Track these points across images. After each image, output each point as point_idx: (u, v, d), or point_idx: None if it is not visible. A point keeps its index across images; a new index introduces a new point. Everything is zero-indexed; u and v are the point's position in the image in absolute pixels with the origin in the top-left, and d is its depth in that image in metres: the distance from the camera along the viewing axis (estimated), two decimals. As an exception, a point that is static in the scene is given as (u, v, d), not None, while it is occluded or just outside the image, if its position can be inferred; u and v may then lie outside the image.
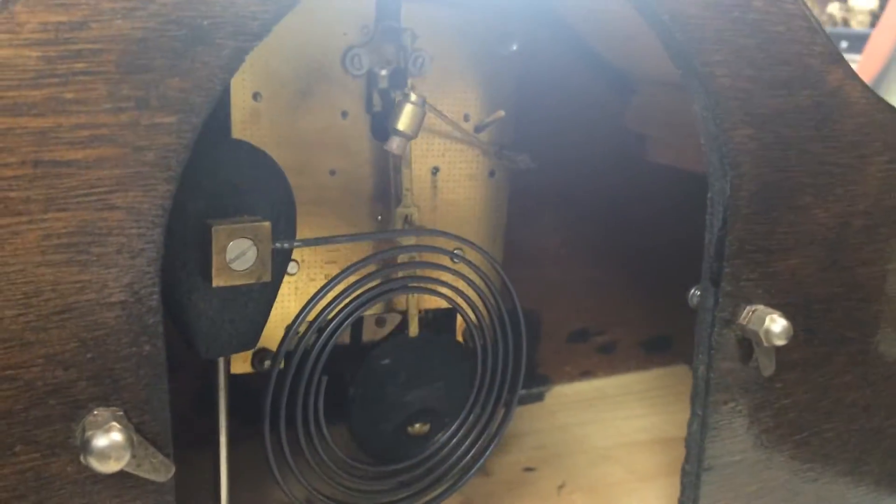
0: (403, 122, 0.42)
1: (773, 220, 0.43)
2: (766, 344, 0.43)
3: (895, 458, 0.53)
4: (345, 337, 0.51)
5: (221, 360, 0.41)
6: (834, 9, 2.05)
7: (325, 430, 0.43)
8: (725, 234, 0.42)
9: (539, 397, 0.69)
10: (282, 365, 0.42)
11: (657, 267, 0.71)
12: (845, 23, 2.04)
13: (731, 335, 0.44)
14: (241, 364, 0.46)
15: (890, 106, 0.45)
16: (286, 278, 0.46)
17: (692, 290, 0.46)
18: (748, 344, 0.45)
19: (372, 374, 0.47)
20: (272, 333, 0.43)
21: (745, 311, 0.44)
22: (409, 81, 0.45)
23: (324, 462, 0.44)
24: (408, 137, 0.42)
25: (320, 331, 0.42)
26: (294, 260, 0.46)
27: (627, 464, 0.59)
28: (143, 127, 0.29)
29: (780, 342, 0.43)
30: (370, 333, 0.52)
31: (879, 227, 0.47)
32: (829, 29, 1.93)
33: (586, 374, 0.72)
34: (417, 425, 0.49)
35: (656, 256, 0.71)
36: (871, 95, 0.44)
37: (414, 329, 0.48)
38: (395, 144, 0.42)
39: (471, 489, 0.54)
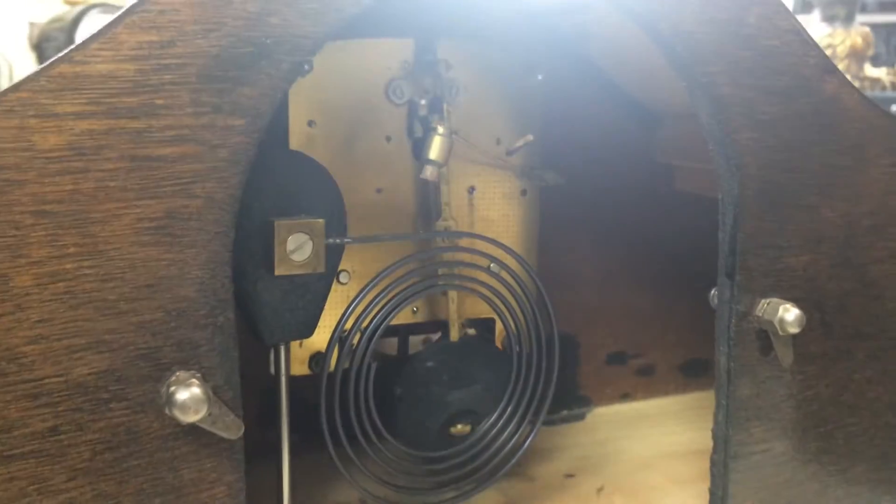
0: (434, 152, 0.48)
1: (782, 218, 0.47)
2: (781, 333, 0.46)
3: (925, 456, 0.55)
4: (394, 349, 0.55)
5: (283, 362, 0.46)
6: (882, 73, 2.09)
7: (374, 416, 0.47)
8: (737, 231, 0.46)
9: (581, 417, 0.72)
10: (332, 367, 0.47)
11: (691, 292, 0.74)
12: (894, 87, 2.06)
13: (748, 327, 0.47)
14: (298, 366, 0.51)
15: (889, 113, 0.49)
16: (339, 288, 0.51)
17: (712, 291, 0.50)
18: (766, 336, 0.48)
19: (415, 374, 0.51)
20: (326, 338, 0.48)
21: (761, 304, 0.47)
22: (445, 107, 0.50)
23: (378, 454, 0.48)
24: (439, 165, 0.48)
25: (366, 331, 0.46)
26: (345, 270, 0.51)
27: (665, 471, 0.61)
28: (219, 128, 0.35)
29: (794, 330, 0.46)
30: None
31: (888, 226, 0.50)
32: (877, 93, 1.96)
33: (626, 396, 0.75)
34: (459, 426, 0.53)
35: (690, 282, 0.74)
36: (867, 103, 0.48)
37: (454, 334, 0.52)
38: (429, 172, 0.48)
39: (514, 492, 0.57)
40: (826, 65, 0.46)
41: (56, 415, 0.34)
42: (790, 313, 0.46)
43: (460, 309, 0.54)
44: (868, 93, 1.99)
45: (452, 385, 0.52)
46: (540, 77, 0.54)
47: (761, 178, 0.46)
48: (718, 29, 0.43)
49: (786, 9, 0.45)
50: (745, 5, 0.44)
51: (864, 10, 2.61)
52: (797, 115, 0.46)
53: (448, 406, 0.52)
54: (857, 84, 1.94)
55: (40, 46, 1.43)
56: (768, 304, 0.47)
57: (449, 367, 0.52)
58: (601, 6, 0.44)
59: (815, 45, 0.46)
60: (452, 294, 0.52)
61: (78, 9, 1.38)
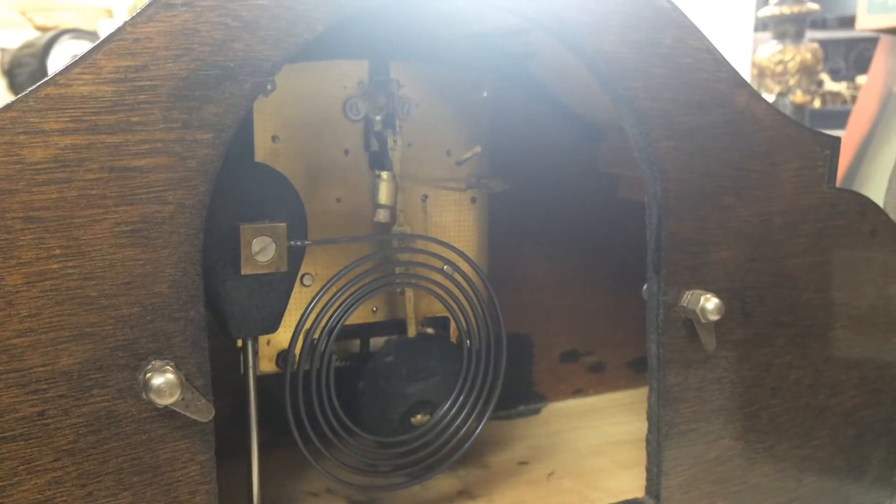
0: (382, 197, 0.54)
1: (702, 218, 0.52)
2: (703, 321, 0.51)
3: (843, 435, 0.60)
4: (356, 348, 0.60)
5: (251, 358, 0.50)
6: (842, 87, 2.17)
7: (338, 409, 0.52)
8: (661, 230, 0.51)
9: (536, 412, 0.76)
10: (295, 365, 0.51)
11: (638, 293, 0.79)
12: (854, 101, 2.14)
13: (675, 317, 0.52)
14: (267, 363, 0.55)
15: (795, 121, 0.54)
16: (303, 290, 0.56)
17: (645, 286, 0.55)
18: (691, 324, 0.53)
19: (376, 369, 0.56)
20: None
21: (685, 295, 0.52)
22: (398, 122, 0.55)
23: (344, 444, 0.52)
24: (389, 207, 0.54)
25: (327, 327, 0.51)
26: (309, 273, 0.55)
27: (612, 456, 0.66)
28: (188, 142, 0.39)
29: (715, 318, 0.51)
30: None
31: (799, 224, 0.55)
32: (837, 107, 2.03)
33: (579, 391, 0.79)
34: (419, 416, 0.57)
35: (636, 283, 0.79)
36: (775, 113, 0.53)
37: (412, 330, 0.57)
38: (381, 215, 0.54)
39: (470, 479, 0.62)
40: (737, 79, 0.52)
41: (43, 401, 0.38)
42: (710, 302, 0.51)
43: (418, 308, 0.58)
44: (829, 107, 2.08)
45: (411, 378, 0.56)
46: (485, 94, 0.59)
47: (681, 181, 0.51)
48: (637, 49, 0.48)
49: (699, 31, 0.50)
50: (660, 28, 0.49)
51: (824, 26, 2.70)
52: (711, 125, 0.51)
53: (407, 398, 0.56)
54: (817, 97, 2.02)
55: (12, 72, 1.46)
56: (691, 294, 0.52)
57: (407, 362, 0.56)
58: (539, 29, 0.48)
59: (726, 62, 0.51)
60: (409, 293, 0.57)
61: (49, 35, 1.41)
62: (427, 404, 0.57)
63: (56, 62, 1.37)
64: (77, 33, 1.43)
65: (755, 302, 0.55)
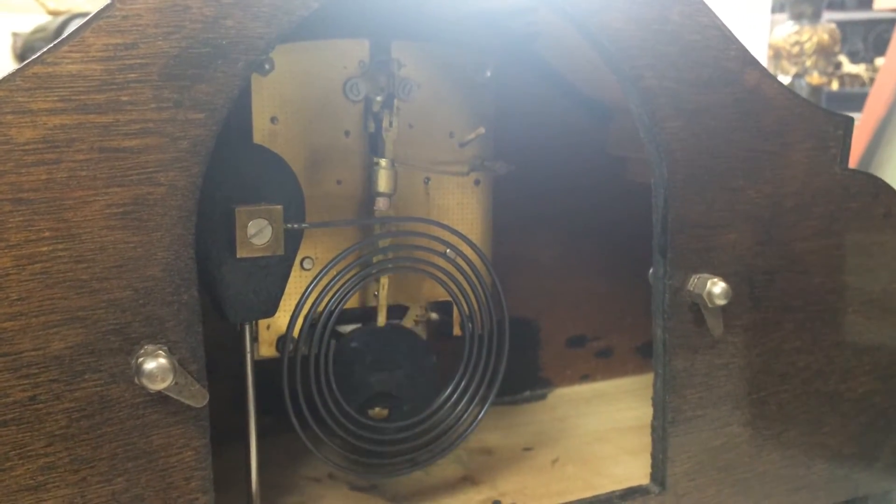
0: (381, 185, 0.53)
1: (709, 200, 0.51)
2: (710, 306, 0.50)
3: (854, 422, 0.59)
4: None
5: (248, 343, 0.49)
6: (861, 69, 2.14)
7: (337, 394, 0.51)
8: (668, 212, 0.50)
9: (542, 397, 0.75)
10: (292, 350, 0.50)
11: (646, 277, 0.78)
12: (873, 83, 2.10)
13: (681, 301, 0.51)
14: (267, 348, 0.55)
15: (806, 101, 0.53)
16: (303, 273, 0.55)
17: (651, 270, 0.54)
18: (698, 309, 0.52)
19: (341, 354, 0.54)
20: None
21: (692, 279, 0.51)
22: (396, 102, 0.54)
23: (344, 429, 0.51)
24: (389, 195, 0.53)
25: (325, 311, 0.50)
26: (309, 257, 0.55)
27: (618, 442, 0.65)
28: (179, 122, 0.38)
29: (722, 302, 0.50)
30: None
31: (811, 206, 0.54)
32: (856, 89, 2.00)
33: (586, 377, 0.78)
34: (377, 409, 0.55)
35: (645, 266, 0.78)
36: (787, 92, 0.52)
37: (382, 319, 0.55)
38: (380, 203, 0.53)
39: (474, 465, 0.61)
40: (746, 57, 0.50)
41: (35, 385, 0.38)
42: (717, 287, 0.50)
43: (421, 292, 0.57)
44: (847, 89, 2.05)
45: (374, 367, 0.55)
46: (488, 73, 0.58)
47: (688, 162, 0.50)
48: (643, 26, 0.47)
49: (707, 6, 0.49)
50: (668, 4, 0.47)
51: (842, 7, 2.66)
52: (720, 104, 0.50)
53: (368, 387, 0.55)
54: (835, 79, 1.99)
55: (24, 56, 1.46)
56: (698, 279, 0.51)
57: (373, 351, 0.55)
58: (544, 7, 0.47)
59: (736, 39, 0.50)
60: (384, 280, 0.55)
61: (61, 18, 1.40)
62: (388, 397, 0.55)
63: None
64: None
65: (764, 286, 0.54)
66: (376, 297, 0.57)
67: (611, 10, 0.46)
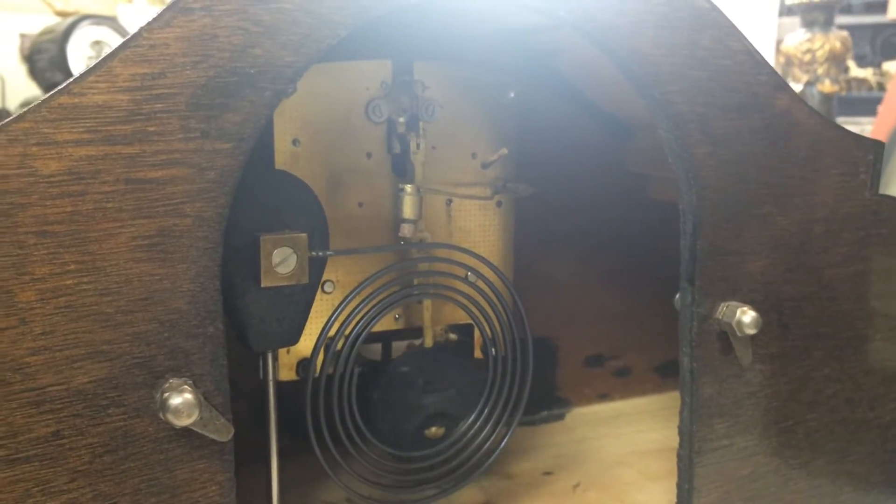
0: (407, 211, 0.52)
1: (739, 226, 0.50)
2: (739, 334, 0.49)
3: (882, 449, 0.58)
4: (375, 353, 0.58)
5: (270, 368, 0.48)
6: (868, 73, 2.12)
7: (358, 419, 0.50)
8: (696, 239, 0.49)
9: (560, 417, 0.74)
10: (317, 372, 0.50)
11: (666, 296, 0.77)
12: (880, 87, 2.10)
13: (709, 329, 0.50)
14: (287, 372, 0.54)
15: (837, 125, 0.52)
16: (324, 297, 0.54)
17: (677, 295, 0.53)
18: (726, 337, 0.51)
19: (392, 380, 0.54)
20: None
21: (720, 307, 0.50)
22: (421, 124, 0.53)
23: (362, 455, 0.51)
24: (414, 222, 0.52)
25: (350, 337, 0.49)
26: (330, 280, 0.54)
27: (639, 467, 0.64)
28: (206, 152, 0.38)
29: (751, 331, 0.49)
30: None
31: (841, 232, 0.53)
32: (863, 94, 1.99)
33: (604, 396, 0.77)
34: (434, 428, 0.56)
35: (664, 285, 0.77)
36: (818, 117, 0.51)
37: (429, 340, 0.55)
38: (406, 230, 0.52)
39: (494, 490, 0.60)
40: (777, 82, 0.49)
41: (58, 420, 0.37)
42: (747, 316, 0.49)
43: (442, 315, 0.56)
44: (854, 93, 2.04)
45: (427, 389, 0.55)
46: (512, 94, 0.57)
47: (718, 189, 0.49)
48: (674, 52, 0.46)
49: (738, 31, 0.48)
50: (698, 29, 0.47)
51: (849, 11, 2.65)
52: (750, 129, 0.49)
53: (422, 410, 0.55)
54: (842, 85, 1.98)
55: (32, 58, 1.45)
56: (727, 307, 0.50)
57: (424, 373, 0.55)
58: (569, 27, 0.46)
59: (767, 63, 0.49)
60: (428, 302, 0.55)
61: (69, 20, 1.40)
62: (443, 417, 0.56)
63: (76, 48, 1.37)
64: (97, 19, 1.41)
65: (793, 314, 0.53)
66: (397, 319, 0.57)
67: (641, 35, 0.45)
